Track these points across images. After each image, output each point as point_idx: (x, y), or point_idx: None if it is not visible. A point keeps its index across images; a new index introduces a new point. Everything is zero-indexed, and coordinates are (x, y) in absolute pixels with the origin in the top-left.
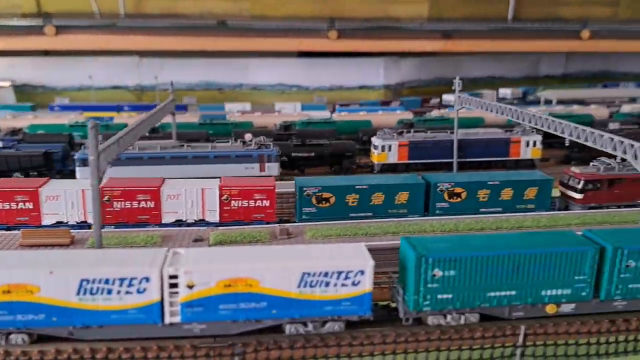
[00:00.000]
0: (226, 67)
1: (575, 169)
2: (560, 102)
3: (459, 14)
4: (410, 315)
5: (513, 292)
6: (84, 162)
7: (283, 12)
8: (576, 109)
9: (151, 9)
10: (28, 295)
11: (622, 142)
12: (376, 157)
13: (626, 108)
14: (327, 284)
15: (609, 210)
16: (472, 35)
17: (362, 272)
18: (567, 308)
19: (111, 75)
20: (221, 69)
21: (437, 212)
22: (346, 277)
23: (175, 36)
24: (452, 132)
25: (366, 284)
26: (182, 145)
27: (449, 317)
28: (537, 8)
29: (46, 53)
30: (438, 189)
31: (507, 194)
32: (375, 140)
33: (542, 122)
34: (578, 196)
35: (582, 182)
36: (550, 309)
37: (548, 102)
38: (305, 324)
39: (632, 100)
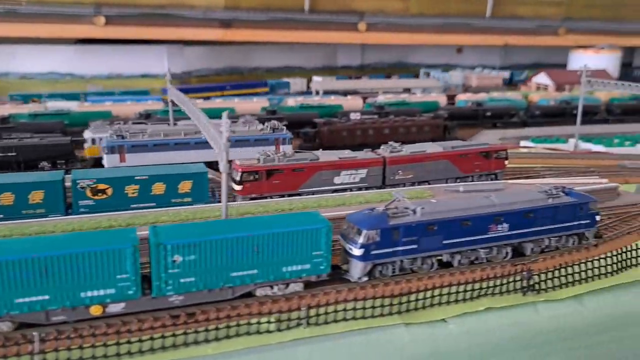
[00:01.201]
0: None
1: (237, 161)
2: (328, 92)
3: (255, 4)
4: None
5: (46, 297)
6: (112, 150)
7: None
8: (331, 99)
9: None
10: None
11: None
12: (88, 150)
13: (380, 98)
14: None
15: (265, 201)
16: (254, 25)
17: None
18: (116, 308)
19: None
20: None
21: (82, 210)
22: None
23: None
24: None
25: None
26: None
27: None
28: (331, 0)
29: None
30: (78, 186)
31: (159, 188)
32: (86, 133)
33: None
34: (238, 187)
35: (240, 174)
36: (95, 310)
37: (317, 92)
38: None
39: (407, 90)
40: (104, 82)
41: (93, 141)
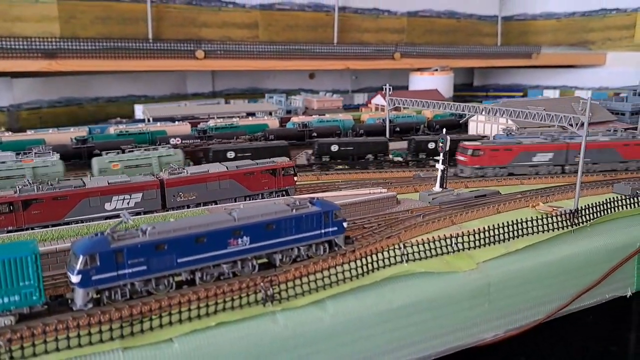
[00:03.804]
0: None
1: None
2: (157, 119)
3: (95, 33)
4: None
5: None
6: None
7: None
8: (157, 126)
9: None
10: None
11: None
12: None
13: (210, 123)
14: None
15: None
16: (86, 54)
17: None
18: None
19: None
20: None
21: None
22: None
23: None
24: None
25: None
26: None
27: None
28: (177, 29)
29: None
30: None
31: None
32: None
33: None
34: None
35: None
36: None
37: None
38: None
39: (251, 114)
40: None
41: None
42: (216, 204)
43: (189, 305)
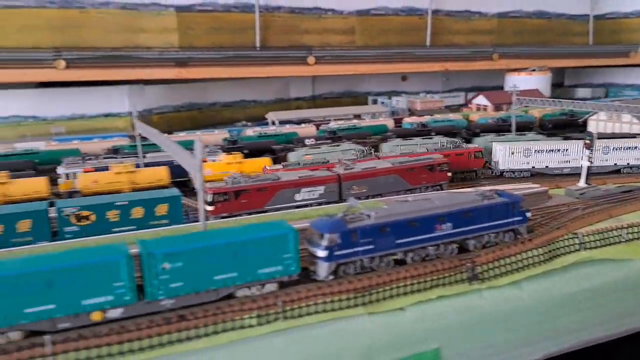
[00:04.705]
0: None
1: (207, 185)
2: (283, 122)
3: (208, 43)
4: None
5: (52, 306)
6: None
7: (17, 43)
8: (287, 128)
9: None
10: None
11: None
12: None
13: (332, 125)
14: None
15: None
16: (208, 63)
17: None
18: (115, 313)
19: None
20: None
21: (67, 236)
22: None
23: None
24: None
25: None
26: None
27: None
28: (282, 36)
29: None
30: (63, 214)
31: (137, 212)
32: (59, 169)
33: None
34: (210, 208)
35: (211, 196)
36: (96, 316)
37: (273, 122)
38: None
39: (358, 116)
40: (66, 123)
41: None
42: (381, 196)
43: (411, 280)
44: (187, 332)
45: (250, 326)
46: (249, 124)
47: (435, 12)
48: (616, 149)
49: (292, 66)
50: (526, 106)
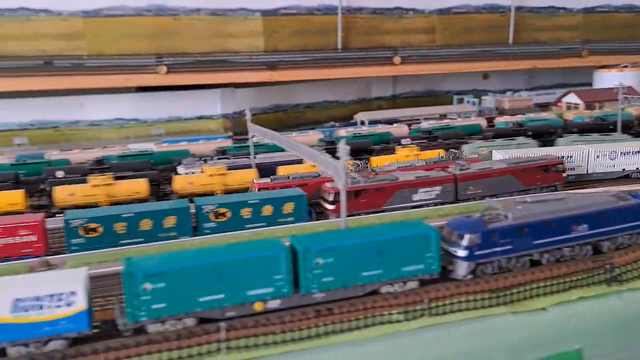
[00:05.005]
0: (60, 105)
1: (327, 184)
2: (372, 122)
3: (292, 46)
4: (130, 326)
5: (222, 295)
6: None
7: (117, 50)
8: (379, 128)
9: None
10: None
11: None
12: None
13: (424, 124)
14: (41, 307)
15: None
16: (297, 65)
17: (73, 293)
18: (274, 304)
19: None
20: (55, 107)
21: (206, 232)
22: (59, 299)
23: None
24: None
25: (80, 304)
26: None
27: (167, 323)
28: (363, 37)
29: None
30: (203, 211)
31: (267, 210)
32: (180, 169)
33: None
34: (331, 207)
35: (332, 195)
36: (258, 306)
37: (362, 123)
38: (27, 345)
39: (443, 116)
40: (164, 125)
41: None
42: (496, 197)
43: (551, 281)
44: (340, 324)
45: (398, 321)
46: (337, 124)
47: (518, 8)
48: (624, 154)
49: (376, 67)
50: (629, 104)
